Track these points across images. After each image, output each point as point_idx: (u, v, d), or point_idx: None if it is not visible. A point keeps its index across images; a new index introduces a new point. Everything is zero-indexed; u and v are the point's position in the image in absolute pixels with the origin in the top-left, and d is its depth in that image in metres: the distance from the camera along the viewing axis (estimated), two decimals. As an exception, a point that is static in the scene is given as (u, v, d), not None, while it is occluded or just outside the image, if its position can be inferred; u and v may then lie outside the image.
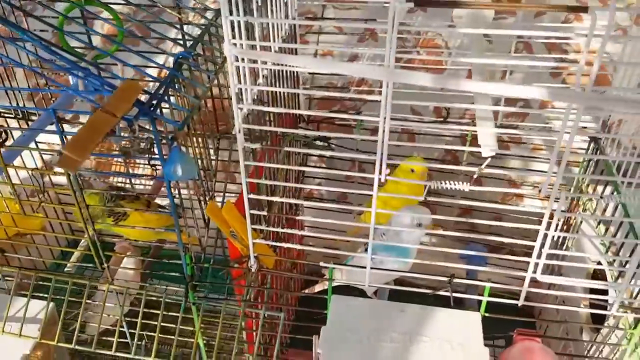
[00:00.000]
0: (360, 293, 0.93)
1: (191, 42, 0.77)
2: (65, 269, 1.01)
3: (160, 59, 1.15)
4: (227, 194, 0.90)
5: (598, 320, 0.84)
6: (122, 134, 0.62)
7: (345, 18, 1.12)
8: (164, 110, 0.67)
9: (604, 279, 0.82)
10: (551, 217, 0.61)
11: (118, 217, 0.91)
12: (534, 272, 0.65)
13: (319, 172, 1.23)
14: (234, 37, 0.60)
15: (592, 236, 0.87)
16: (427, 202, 0.86)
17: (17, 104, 1.08)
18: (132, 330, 0.83)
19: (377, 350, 0.69)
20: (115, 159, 1.28)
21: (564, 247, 0.97)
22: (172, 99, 0.71)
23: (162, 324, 0.80)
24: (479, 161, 0.70)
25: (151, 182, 1.15)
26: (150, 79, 0.71)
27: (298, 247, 0.78)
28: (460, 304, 0.77)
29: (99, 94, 0.65)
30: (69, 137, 0.58)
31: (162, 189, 1.05)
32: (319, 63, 0.60)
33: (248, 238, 0.72)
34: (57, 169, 0.81)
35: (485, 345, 0.69)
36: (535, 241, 0.63)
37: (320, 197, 1.26)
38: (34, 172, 0.84)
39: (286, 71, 0.85)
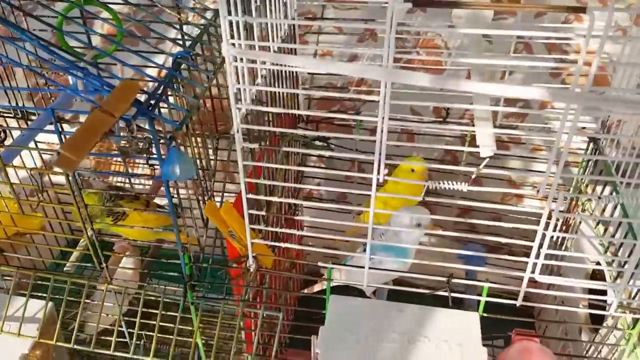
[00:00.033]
0: (359, 293, 0.93)
1: (190, 42, 0.77)
2: (65, 269, 1.01)
3: (160, 59, 1.15)
4: (226, 194, 0.90)
5: (597, 321, 0.84)
6: (121, 133, 0.62)
7: (345, 18, 1.12)
8: (162, 110, 0.67)
9: (603, 279, 0.82)
10: (549, 217, 0.61)
11: (117, 216, 0.91)
12: (532, 272, 0.65)
13: (319, 172, 1.23)
14: (232, 37, 0.60)
15: (590, 236, 0.87)
16: (426, 202, 0.86)
17: (17, 103, 1.08)
18: (131, 330, 0.83)
19: (375, 350, 0.69)
20: (115, 159, 1.28)
21: (563, 248, 0.97)
22: (171, 98, 0.71)
23: (161, 323, 0.81)
24: (478, 161, 0.70)
25: (150, 182, 1.15)
26: (149, 79, 0.71)
27: (296, 247, 0.78)
28: (459, 304, 0.77)
29: (98, 94, 0.65)
30: (67, 137, 0.58)
31: (161, 188, 1.05)
32: (318, 63, 0.60)
33: (246, 238, 0.72)
34: (56, 169, 0.81)
35: (484, 345, 0.69)
36: (534, 241, 0.63)
37: (320, 197, 1.26)
38: (33, 171, 0.84)
39: (285, 71, 0.85)
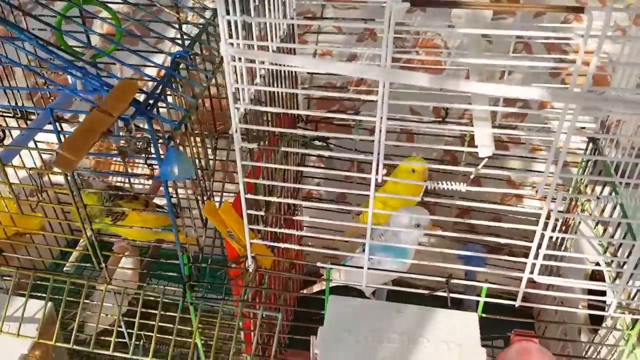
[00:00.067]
0: (358, 293, 0.93)
1: (189, 42, 0.77)
2: (64, 269, 1.01)
3: (160, 58, 1.15)
4: (225, 194, 0.90)
5: (596, 321, 0.84)
6: (120, 133, 0.62)
7: (344, 18, 1.12)
8: (161, 109, 0.67)
9: (603, 280, 0.82)
10: (548, 217, 0.61)
11: (116, 216, 0.91)
12: (531, 272, 0.65)
13: (318, 172, 1.23)
14: (231, 37, 0.60)
15: (589, 237, 0.87)
16: (426, 203, 0.86)
17: (16, 103, 1.08)
18: (130, 330, 0.83)
19: (374, 350, 0.69)
20: (115, 159, 1.28)
21: (563, 248, 0.97)
22: (170, 98, 0.71)
23: (160, 324, 0.80)
24: (478, 161, 0.70)
25: (149, 182, 1.15)
26: (148, 79, 0.71)
27: (295, 247, 0.77)
28: (459, 305, 0.77)
29: (97, 93, 0.65)
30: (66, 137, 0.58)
31: (161, 188, 1.05)
32: (316, 63, 0.60)
33: (245, 238, 0.72)
34: (55, 169, 0.81)
35: (484, 345, 0.69)
36: (533, 242, 0.63)
37: (319, 197, 1.26)
38: (32, 171, 0.84)
39: (284, 71, 0.85)
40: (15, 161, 0.89)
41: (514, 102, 1.06)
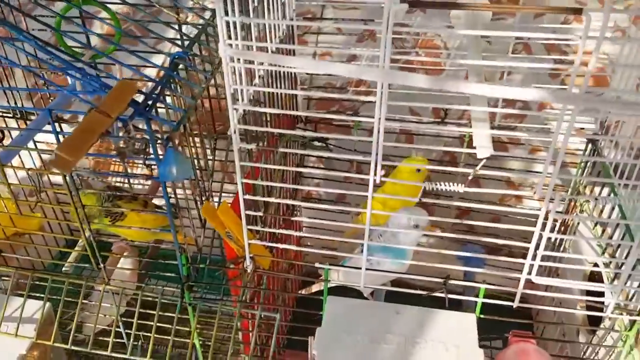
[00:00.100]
0: (357, 294, 0.93)
1: (188, 42, 0.77)
2: (63, 269, 1.01)
3: (159, 59, 1.15)
4: (225, 194, 0.90)
5: (595, 322, 0.84)
6: (120, 134, 0.62)
7: (344, 18, 1.12)
8: (161, 110, 0.67)
9: (601, 280, 0.82)
10: (546, 218, 0.61)
11: (115, 217, 0.91)
12: (529, 273, 0.65)
13: (317, 172, 1.23)
14: (229, 38, 0.60)
15: (588, 238, 0.87)
16: (425, 203, 0.86)
17: (16, 103, 1.08)
18: (129, 331, 0.83)
19: (372, 351, 0.69)
20: (114, 159, 1.28)
21: (562, 249, 0.97)
22: (169, 99, 0.71)
23: (159, 324, 0.80)
24: (477, 162, 0.70)
25: (149, 182, 1.15)
26: (146, 79, 0.71)
27: (293, 247, 0.77)
28: (458, 306, 0.77)
29: (97, 94, 0.65)
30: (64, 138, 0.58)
31: (160, 189, 1.05)
32: (315, 64, 0.60)
33: (243, 239, 0.72)
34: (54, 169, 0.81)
35: (483, 346, 0.69)
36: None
37: (319, 198, 1.26)
38: (30, 172, 0.84)
39: (283, 71, 0.85)
40: (15, 161, 0.89)
41: (513, 103, 1.06)
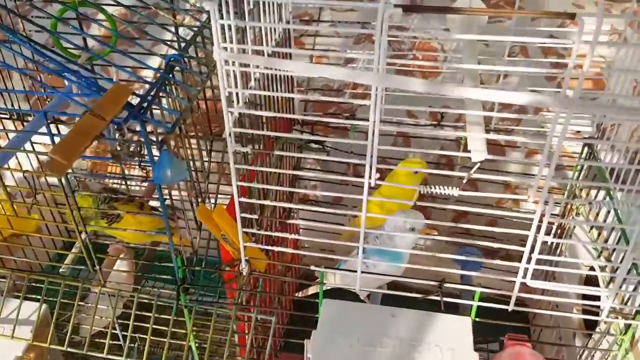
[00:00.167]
0: (354, 297, 0.93)
1: (184, 45, 0.77)
2: (60, 271, 1.01)
3: (156, 61, 1.15)
4: (222, 196, 0.90)
5: (591, 326, 0.84)
6: (116, 136, 0.62)
7: (340, 21, 1.12)
8: (157, 112, 0.67)
9: (598, 284, 0.82)
10: (541, 220, 0.61)
11: (111, 219, 0.91)
12: (524, 277, 0.65)
13: (314, 175, 1.23)
14: (225, 41, 0.60)
15: (583, 241, 0.87)
16: (422, 206, 0.86)
17: (12, 105, 1.08)
18: (125, 333, 0.83)
19: (367, 354, 0.69)
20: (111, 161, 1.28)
21: (558, 252, 0.97)
22: (164, 101, 0.71)
23: (155, 326, 0.80)
24: (473, 164, 0.70)
25: (145, 184, 1.14)
26: (142, 82, 0.71)
27: (289, 250, 0.77)
28: (455, 309, 0.77)
29: (93, 97, 0.65)
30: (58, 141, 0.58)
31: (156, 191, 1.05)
32: (309, 67, 0.60)
33: (239, 241, 0.72)
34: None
35: (480, 349, 0.69)
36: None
37: (316, 200, 1.26)
38: (26, 174, 0.84)
39: (280, 73, 0.85)
40: (12, 163, 0.89)
41: (510, 106, 1.06)
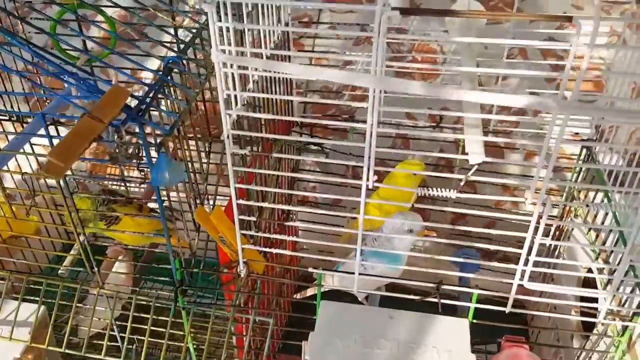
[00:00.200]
0: (352, 298, 0.93)
1: (183, 47, 0.77)
2: (59, 272, 1.01)
3: (156, 63, 1.15)
4: (221, 197, 0.90)
5: (589, 328, 0.84)
6: (114, 138, 0.62)
7: (339, 23, 1.12)
8: (155, 114, 0.67)
9: (596, 286, 0.82)
10: (538, 222, 0.61)
11: (110, 221, 0.91)
12: (521, 279, 0.65)
13: (312, 176, 1.23)
14: (222, 43, 0.60)
15: (581, 244, 0.87)
16: (420, 208, 0.86)
17: (12, 107, 1.08)
18: (123, 334, 0.83)
19: (364, 356, 0.69)
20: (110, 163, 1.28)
21: (557, 254, 0.97)
22: (163, 103, 0.71)
23: (154, 328, 0.81)
24: (472, 167, 0.70)
25: (144, 186, 1.14)
26: (140, 84, 0.71)
27: (287, 252, 0.77)
28: (453, 310, 0.77)
29: (92, 99, 0.65)
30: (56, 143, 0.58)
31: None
32: (306, 70, 0.60)
33: (237, 243, 0.72)
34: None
35: (478, 351, 0.69)
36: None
37: (315, 202, 1.26)
38: (24, 175, 0.84)
39: (278, 75, 0.85)
40: (12, 165, 0.89)
41: (509, 108, 1.06)
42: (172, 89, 0.71)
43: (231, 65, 0.61)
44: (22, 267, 1.02)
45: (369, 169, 0.61)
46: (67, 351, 0.82)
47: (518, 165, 1.11)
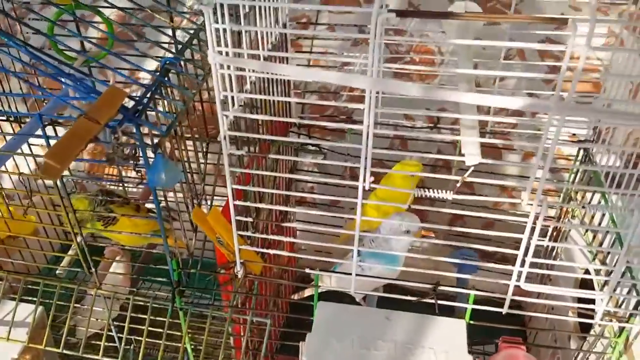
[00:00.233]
0: (350, 299, 0.93)
1: (180, 48, 0.77)
2: (57, 273, 1.01)
3: (154, 64, 1.15)
4: (218, 198, 0.90)
5: (586, 329, 0.84)
6: (111, 139, 0.62)
7: (336, 24, 1.12)
8: (152, 115, 0.67)
9: (594, 287, 0.82)
10: (535, 223, 0.61)
11: (107, 221, 0.91)
12: (518, 280, 0.65)
13: (310, 177, 1.23)
14: (219, 45, 0.60)
15: (578, 245, 0.87)
16: (417, 209, 0.86)
17: (10, 107, 1.08)
18: (121, 335, 0.83)
19: (362, 357, 0.69)
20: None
21: (554, 255, 0.97)
22: (160, 104, 0.71)
23: (151, 328, 0.81)
24: (469, 168, 0.70)
25: (142, 187, 1.14)
26: (138, 85, 0.71)
27: (284, 253, 0.78)
28: (451, 311, 0.77)
29: (89, 100, 0.65)
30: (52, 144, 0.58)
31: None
32: (303, 71, 0.60)
33: (234, 244, 0.72)
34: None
35: (475, 352, 0.69)
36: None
37: (313, 203, 1.26)
38: (22, 176, 0.84)
39: (276, 76, 0.85)
40: (10, 165, 0.89)
41: (506, 109, 1.06)
42: (169, 89, 0.71)
43: (228, 67, 0.61)
44: (20, 268, 1.02)
45: (365, 170, 0.61)
46: (64, 351, 0.82)
47: (515, 165, 1.11)
